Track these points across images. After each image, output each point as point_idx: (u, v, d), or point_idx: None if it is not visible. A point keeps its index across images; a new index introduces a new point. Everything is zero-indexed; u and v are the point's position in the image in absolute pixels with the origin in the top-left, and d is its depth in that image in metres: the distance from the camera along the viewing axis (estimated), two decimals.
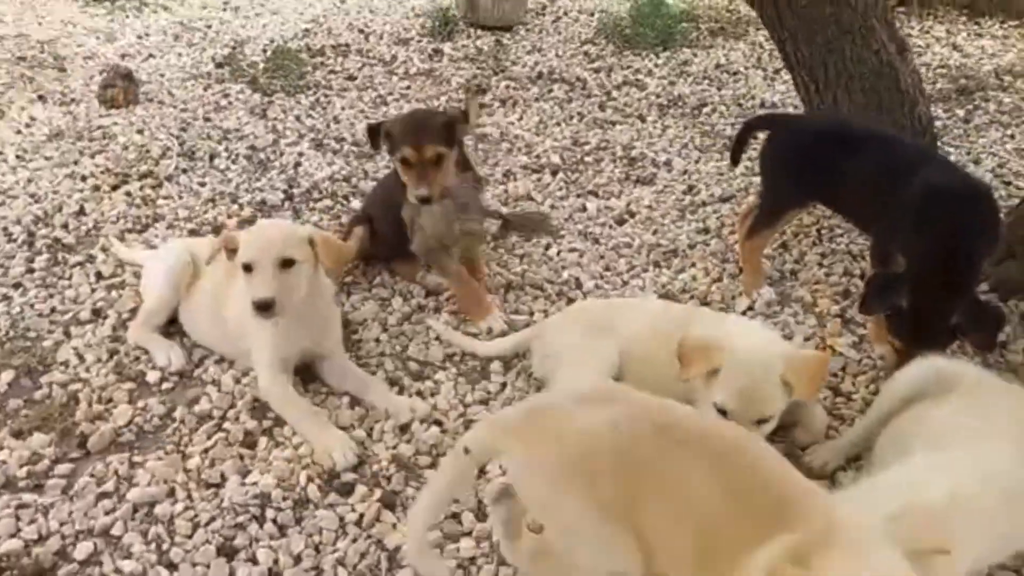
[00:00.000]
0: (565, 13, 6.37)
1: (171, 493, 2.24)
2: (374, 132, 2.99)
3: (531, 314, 3.04)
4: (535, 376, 2.69)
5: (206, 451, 2.37)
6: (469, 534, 2.16)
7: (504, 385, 2.71)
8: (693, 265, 3.37)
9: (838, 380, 2.74)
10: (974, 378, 2.27)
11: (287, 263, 2.44)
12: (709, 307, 3.09)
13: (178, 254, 2.82)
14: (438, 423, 2.52)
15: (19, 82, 4.91)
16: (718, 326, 2.49)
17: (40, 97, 4.73)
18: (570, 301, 3.10)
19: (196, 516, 2.18)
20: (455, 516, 2.21)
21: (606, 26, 5.95)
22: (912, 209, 2.60)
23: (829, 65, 3.53)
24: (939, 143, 4.27)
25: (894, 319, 2.54)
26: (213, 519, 2.17)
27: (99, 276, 3.12)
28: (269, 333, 2.52)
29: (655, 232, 3.58)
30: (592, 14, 6.31)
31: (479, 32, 5.92)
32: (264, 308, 2.39)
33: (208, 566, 2.05)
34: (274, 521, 2.18)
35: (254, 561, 2.07)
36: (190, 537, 2.12)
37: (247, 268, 2.43)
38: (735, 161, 3.52)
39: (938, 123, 4.53)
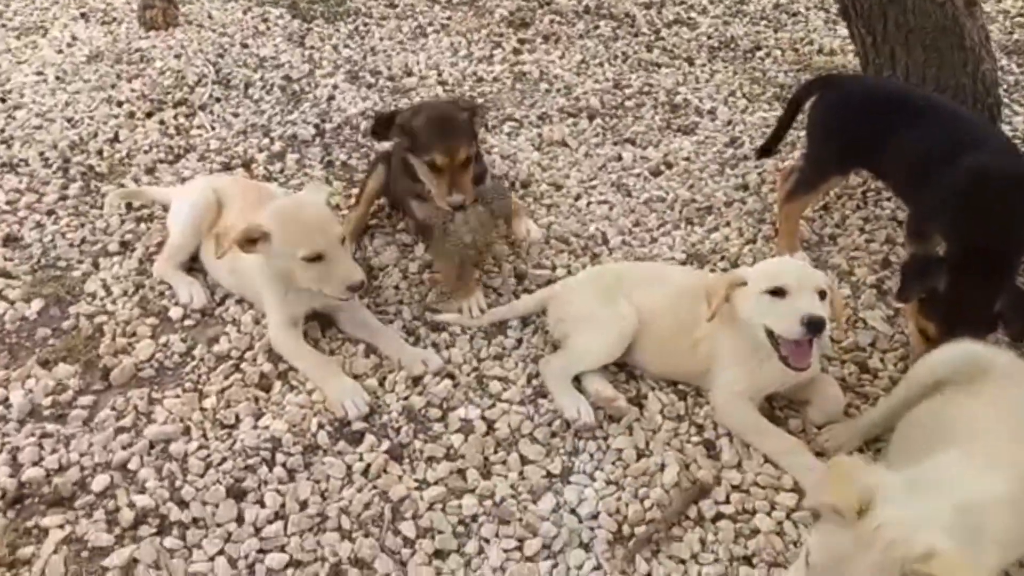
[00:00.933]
0: None
1: (186, 432, 2.31)
2: (384, 124, 2.77)
3: (553, 268, 2.99)
4: (550, 336, 2.67)
5: (222, 391, 2.42)
6: (472, 491, 2.19)
7: (520, 341, 2.69)
8: (727, 224, 3.26)
9: (866, 355, 2.66)
10: (1009, 367, 2.16)
11: (342, 239, 2.47)
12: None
13: (202, 192, 2.82)
14: (451, 376, 2.53)
15: None
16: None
17: (83, 15, 4.71)
18: (595, 257, 3.04)
19: (209, 456, 2.24)
20: (461, 472, 2.23)
21: None
22: (959, 189, 2.45)
23: (889, 17, 3.29)
24: (1009, 100, 4.01)
25: (929, 303, 2.43)
26: (225, 460, 2.23)
27: (129, 207, 3.15)
28: (278, 292, 2.53)
29: (691, 187, 3.46)
30: None
31: None
32: (359, 288, 2.44)
33: (217, 506, 2.11)
34: (284, 465, 2.23)
35: (262, 504, 2.13)
36: (202, 476, 2.19)
37: (317, 257, 2.40)
38: (781, 130, 3.29)
39: (1010, 78, 4.24)
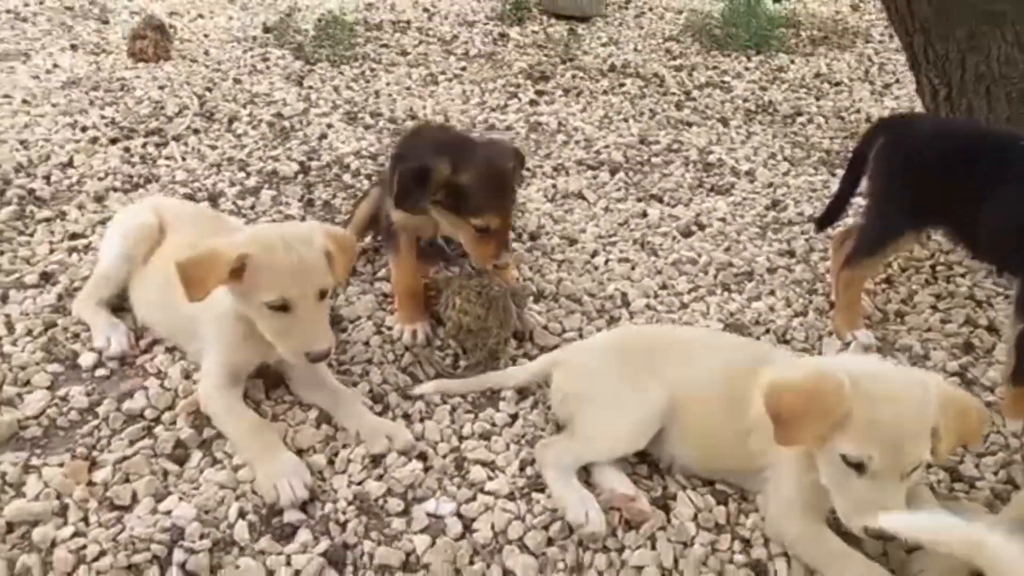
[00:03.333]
0: (650, 8, 5.78)
1: (62, 512, 1.74)
2: (418, 176, 2.20)
3: (562, 332, 2.45)
4: (553, 414, 2.11)
5: (121, 461, 1.86)
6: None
7: (514, 418, 2.12)
8: (772, 293, 2.72)
9: (957, 460, 2.07)
10: None
11: (323, 294, 1.94)
12: (789, 346, 2.45)
13: (140, 214, 2.33)
14: (422, 457, 1.96)
15: (57, 29, 4.60)
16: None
17: (72, 46, 4.39)
18: (613, 321, 2.51)
19: (84, 548, 1.66)
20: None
21: (693, 24, 5.36)
22: None
23: (968, 66, 2.84)
24: None
25: None
26: (104, 554, 1.65)
27: (68, 236, 2.68)
28: (228, 336, 2.00)
29: (727, 249, 2.95)
30: (680, 12, 5.71)
31: (552, 20, 5.39)
32: (322, 358, 1.92)
33: None
34: (182, 567, 1.65)
35: None
36: (69, 575, 1.61)
37: (282, 307, 1.90)
38: (844, 195, 2.78)
39: None
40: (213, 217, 2.49)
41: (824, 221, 2.89)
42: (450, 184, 2.22)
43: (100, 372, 2.13)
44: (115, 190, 2.97)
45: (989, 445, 2.13)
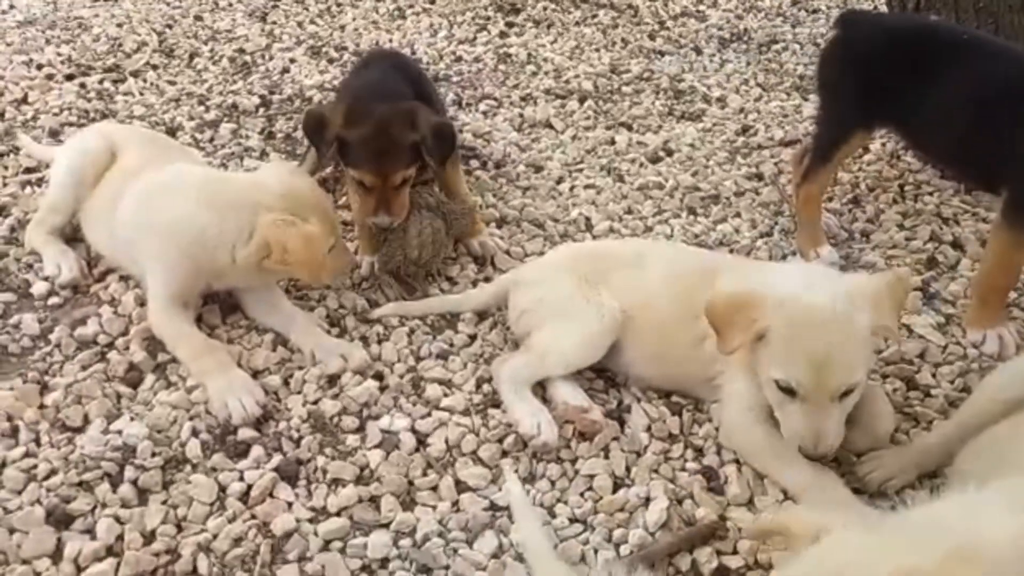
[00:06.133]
0: None
1: (13, 434, 1.73)
2: (316, 124, 2.28)
3: (524, 257, 2.44)
4: (511, 333, 2.10)
5: (73, 384, 1.85)
6: (386, 526, 1.60)
7: (473, 338, 2.12)
8: (738, 215, 2.71)
9: (914, 369, 2.08)
10: None
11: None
12: None
13: (89, 141, 2.29)
14: (377, 377, 1.96)
15: None
16: (752, 278, 1.85)
17: None
18: None
19: (35, 467, 1.66)
20: (373, 500, 1.65)
21: None
22: None
23: None
24: None
25: None
26: (54, 472, 1.65)
27: (22, 170, 2.63)
28: (175, 260, 1.97)
29: (695, 174, 2.92)
30: None
31: None
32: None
33: (28, 534, 1.53)
34: (134, 483, 1.66)
35: (92, 535, 1.55)
36: (19, 493, 1.61)
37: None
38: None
39: None
40: (161, 140, 2.45)
41: None
42: (339, 136, 2.24)
43: (53, 300, 2.11)
44: (70, 125, 2.90)
45: (947, 355, 2.14)
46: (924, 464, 1.75)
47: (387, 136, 2.23)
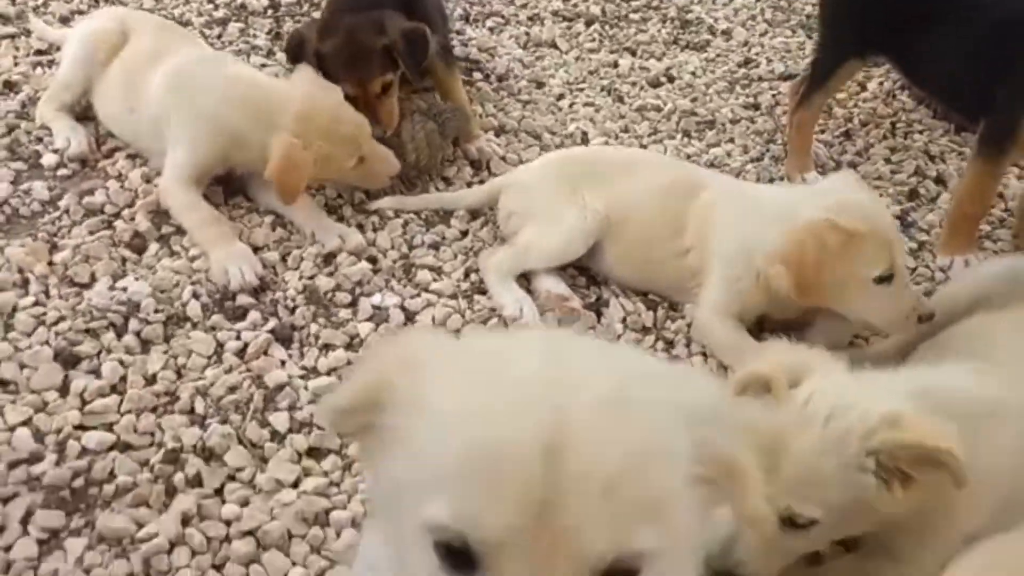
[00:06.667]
0: None
1: (23, 284, 1.84)
2: (297, 45, 2.35)
3: (519, 163, 2.50)
4: (501, 231, 2.19)
5: (80, 246, 1.94)
6: None
7: (465, 234, 2.21)
8: (731, 140, 2.77)
9: None
10: None
11: None
12: None
13: (103, 22, 2.34)
14: (372, 260, 2.05)
15: None
16: (737, 196, 1.94)
17: None
18: None
19: (44, 314, 1.77)
20: None
21: None
22: None
23: None
24: None
25: None
26: (62, 319, 1.76)
27: (33, 52, 2.68)
28: (198, 141, 2.07)
29: (694, 100, 2.98)
30: None
31: None
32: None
33: (37, 369, 1.64)
34: (137, 334, 1.76)
35: (97, 374, 1.66)
36: (29, 335, 1.72)
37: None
38: None
39: None
40: (178, 30, 2.50)
41: None
42: (316, 50, 2.29)
43: (62, 172, 2.19)
44: (81, 13, 2.94)
45: (916, 276, 2.24)
46: (881, 365, 1.85)
47: (356, 43, 2.28)
